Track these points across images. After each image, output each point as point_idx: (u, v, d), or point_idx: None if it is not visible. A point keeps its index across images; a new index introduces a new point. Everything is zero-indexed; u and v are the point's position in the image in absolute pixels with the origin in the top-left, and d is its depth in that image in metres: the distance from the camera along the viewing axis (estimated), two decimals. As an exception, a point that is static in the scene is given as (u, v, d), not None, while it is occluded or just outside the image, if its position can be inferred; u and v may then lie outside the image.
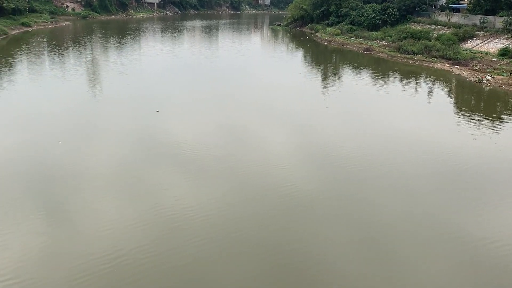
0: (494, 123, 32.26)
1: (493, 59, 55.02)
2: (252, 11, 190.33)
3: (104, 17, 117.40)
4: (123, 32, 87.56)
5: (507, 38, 59.98)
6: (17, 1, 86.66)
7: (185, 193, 19.68)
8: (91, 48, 64.63)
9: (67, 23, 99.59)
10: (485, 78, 45.42)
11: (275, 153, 24.69)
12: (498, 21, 64.08)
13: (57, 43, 68.03)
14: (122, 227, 16.80)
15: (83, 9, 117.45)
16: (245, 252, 15.73)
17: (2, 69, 45.17)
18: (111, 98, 36.16)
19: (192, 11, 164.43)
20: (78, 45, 66.13)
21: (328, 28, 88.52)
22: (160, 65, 52.79)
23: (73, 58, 55.21)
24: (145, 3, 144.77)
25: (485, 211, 19.00)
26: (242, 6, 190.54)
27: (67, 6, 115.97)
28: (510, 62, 52.60)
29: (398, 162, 24.03)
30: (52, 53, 57.81)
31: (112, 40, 73.97)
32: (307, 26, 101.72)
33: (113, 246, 15.54)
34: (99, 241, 15.87)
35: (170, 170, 22.01)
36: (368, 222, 17.82)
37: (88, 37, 78.19)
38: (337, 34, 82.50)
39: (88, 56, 57.68)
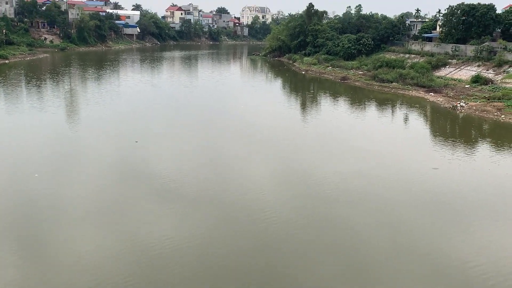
0: (469, 147, 32.93)
1: (466, 86, 56.52)
2: (231, 42, 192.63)
3: (83, 48, 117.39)
4: (102, 63, 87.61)
5: (479, 66, 61.84)
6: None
7: (165, 223, 19.45)
8: (69, 79, 64.38)
9: (45, 55, 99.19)
10: (459, 105, 46.55)
11: (256, 180, 24.69)
12: (469, 49, 66.18)
13: (34, 75, 67.62)
14: (101, 258, 16.46)
15: (61, 41, 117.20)
16: (228, 280, 15.54)
17: (-22, 101, 44.57)
18: (89, 128, 35.88)
19: (171, 42, 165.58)
20: (56, 77, 65.81)
21: (306, 58, 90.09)
22: (139, 95, 52.75)
23: (50, 89, 54.87)
24: (124, 34, 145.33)
25: (465, 234, 19.22)
26: (221, 37, 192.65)
27: (45, 38, 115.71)
28: (482, 88, 54.10)
29: (378, 187, 24.23)
30: (29, 84, 57.38)
31: (90, 71, 73.87)
32: (285, 56, 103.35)
33: (91, 278, 15.19)
34: (78, 273, 15.50)
35: (150, 200, 21.78)
36: (349, 247, 17.83)
37: (66, 68, 77.95)
38: (314, 64, 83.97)
39: (66, 87, 57.40)
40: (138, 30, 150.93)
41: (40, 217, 19.67)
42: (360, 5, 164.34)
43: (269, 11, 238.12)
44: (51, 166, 26.07)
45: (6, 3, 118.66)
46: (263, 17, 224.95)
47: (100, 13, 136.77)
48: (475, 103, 46.68)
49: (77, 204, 20.95)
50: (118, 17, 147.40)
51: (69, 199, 21.53)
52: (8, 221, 19.20)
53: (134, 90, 56.20)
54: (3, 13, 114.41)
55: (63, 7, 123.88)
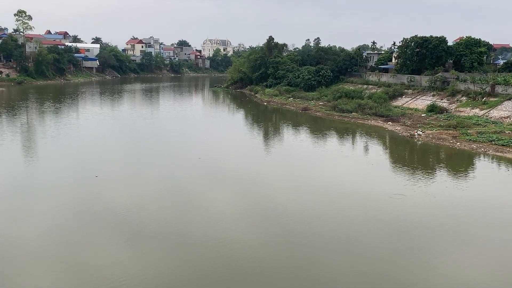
0: (427, 174, 33.68)
1: (422, 115, 58.43)
2: (192, 74, 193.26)
3: (41, 82, 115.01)
4: (60, 97, 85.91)
5: (433, 95, 64.19)
6: None
7: (125, 263, 18.75)
8: (25, 113, 62.64)
9: (0, 89, 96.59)
10: (416, 133, 47.87)
11: (220, 214, 24.31)
12: (423, 79, 68.79)
13: (-11, 109, 65.47)
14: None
15: (18, 74, 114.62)
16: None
17: None
18: (46, 163, 34.71)
19: (132, 75, 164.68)
20: (11, 111, 63.91)
21: (267, 89, 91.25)
22: (98, 129, 51.75)
23: (5, 124, 53.14)
24: (83, 67, 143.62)
25: (425, 259, 19.38)
26: (183, 69, 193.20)
27: (1, 72, 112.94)
28: (438, 117, 56.00)
29: (340, 215, 24.31)
30: (-17, 119, 55.42)
31: (47, 105, 72.20)
32: (247, 88, 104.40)
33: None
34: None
35: (110, 239, 21.03)
36: (313, 277, 17.64)
37: (23, 102, 75.98)
38: (276, 95, 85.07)
39: (22, 121, 55.76)
40: (98, 63, 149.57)
41: (-9, 258, 18.63)
42: (318, 38, 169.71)
43: (230, 43, 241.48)
44: (4, 203, 24.91)
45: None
46: (224, 50, 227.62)
47: (59, 46, 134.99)
48: (432, 131, 48.12)
49: (30, 242, 20.00)
50: (78, 50, 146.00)
51: (23, 236, 20.55)
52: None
53: (93, 123, 55.16)
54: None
55: (20, 41, 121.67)
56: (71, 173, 31.70)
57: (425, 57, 73.76)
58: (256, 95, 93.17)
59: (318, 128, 55.05)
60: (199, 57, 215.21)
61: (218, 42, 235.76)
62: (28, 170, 32.95)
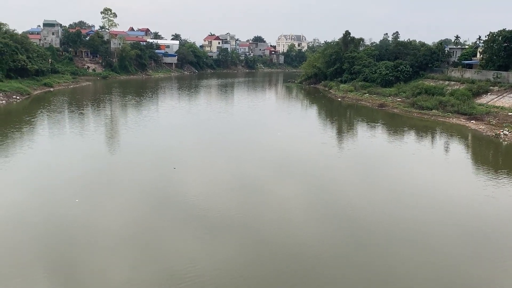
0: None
1: (509, 113, 54.83)
2: (266, 70, 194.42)
3: (124, 77, 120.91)
4: (141, 91, 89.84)
5: (522, 93, 59.98)
6: (41, 63, 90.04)
7: (199, 254, 19.23)
8: (110, 106, 66.15)
9: (87, 83, 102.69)
10: (502, 133, 45.08)
11: (289, 208, 24.37)
12: (511, 76, 64.44)
13: (77, 102, 69.83)
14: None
15: (103, 69, 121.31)
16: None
17: (24, 127, 46.14)
18: (129, 155, 36.50)
19: (209, 70, 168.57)
20: (97, 104, 67.78)
21: (342, 85, 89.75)
22: (177, 122, 53.56)
23: (92, 116, 56.43)
24: (163, 63, 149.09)
25: (504, 265, 18.28)
26: (257, 65, 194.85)
27: (88, 67, 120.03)
28: (526, 116, 52.33)
29: (415, 217, 23.49)
30: (71, 111, 59.18)
31: (129, 98, 75.75)
32: (320, 83, 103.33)
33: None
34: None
35: (185, 230, 21.76)
36: (386, 276, 17.22)
37: (107, 96, 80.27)
38: (351, 91, 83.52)
39: (107, 113, 58.95)
40: (177, 59, 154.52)
41: (76, 243, 19.86)
42: (397, 32, 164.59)
43: (305, 39, 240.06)
44: (91, 192, 26.48)
45: (53, 33, 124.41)
46: (298, 45, 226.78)
47: (141, 42, 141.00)
48: (520, 131, 45.10)
49: (113, 233, 21.13)
50: (158, 46, 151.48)
51: (106, 226, 21.77)
52: (45, 247, 19.52)
53: (171, 117, 57.17)
54: (49, 43, 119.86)
55: (106, 37, 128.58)
56: (150, 164, 33.09)
57: (514, 52, 69.05)
58: (330, 90, 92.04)
59: (395, 125, 53.41)
60: (273, 52, 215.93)
61: (293, 37, 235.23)
62: (114, 160, 34.77)
